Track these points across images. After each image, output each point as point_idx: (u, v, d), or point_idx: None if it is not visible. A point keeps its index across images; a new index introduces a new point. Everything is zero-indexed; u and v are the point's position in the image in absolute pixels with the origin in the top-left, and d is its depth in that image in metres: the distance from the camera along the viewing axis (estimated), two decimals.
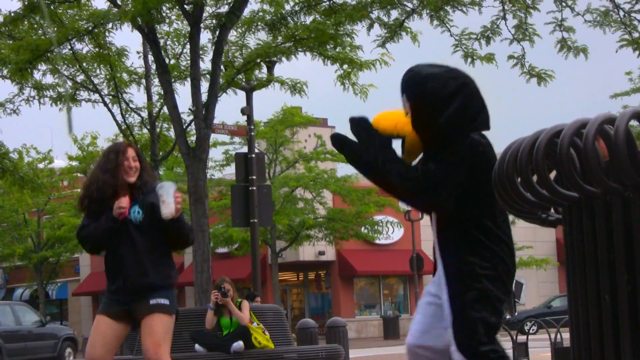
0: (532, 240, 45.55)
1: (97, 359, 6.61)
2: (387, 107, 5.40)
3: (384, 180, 5.04)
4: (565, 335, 8.48)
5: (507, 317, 39.57)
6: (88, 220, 6.72)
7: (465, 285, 4.91)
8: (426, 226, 40.16)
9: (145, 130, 23.98)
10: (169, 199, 6.42)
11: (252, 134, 21.66)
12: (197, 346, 10.96)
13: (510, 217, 5.06)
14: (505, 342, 5.28)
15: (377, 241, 42.81)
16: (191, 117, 18.64)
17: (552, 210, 3.75)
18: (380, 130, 5.06)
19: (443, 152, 4.93)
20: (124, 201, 6.56)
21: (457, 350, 4.89)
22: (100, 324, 6.70)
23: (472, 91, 5.08)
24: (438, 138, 4.98)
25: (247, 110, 21.83)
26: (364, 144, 5.03)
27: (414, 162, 5.19)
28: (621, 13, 16.58)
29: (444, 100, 4.95)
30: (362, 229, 39.32)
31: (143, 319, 6.62)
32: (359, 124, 5.14)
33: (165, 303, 6.61)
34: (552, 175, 3.21)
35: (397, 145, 5.15)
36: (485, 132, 5.12)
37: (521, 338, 12.03)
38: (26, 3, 18.19)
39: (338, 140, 5.18)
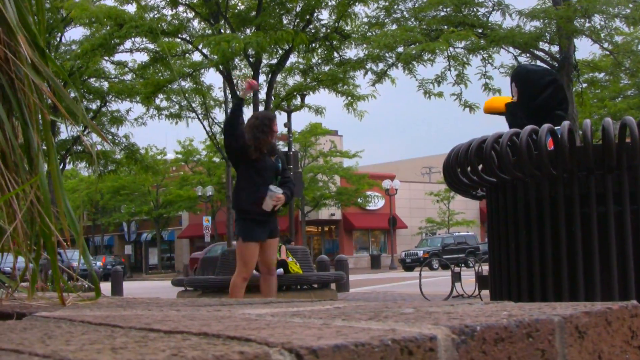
0: (465, 208, 45.50)
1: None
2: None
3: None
4: (485, 267, 8.46)
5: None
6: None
7: None
8: (398, 199, 39.72)
9: (222, 137, 24.02)
10: (270, 202, 5.99)
11: (291, 139, 21.68)
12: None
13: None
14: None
15: (367, 207, 42.77)
16: None
17: (480, 190, 3.75)
18: (496, 107, 4.76)
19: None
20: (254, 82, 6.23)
21: None
22: (255, 249, 6.09)
23: (560, 85, 4.75)
24: (535, 112, 4.61)
25: (288, 125, 21.85)
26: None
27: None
28: None
29: (540, 88, 4.65)
30: (359, 199, 39.33)
31: (271, 239, 6.16)
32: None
33: (278, 229, 6.31)
34: (480, 167, 3.21)
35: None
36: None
37: (457, 269, 11.99)
38: (151, 56, 18.30)
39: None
